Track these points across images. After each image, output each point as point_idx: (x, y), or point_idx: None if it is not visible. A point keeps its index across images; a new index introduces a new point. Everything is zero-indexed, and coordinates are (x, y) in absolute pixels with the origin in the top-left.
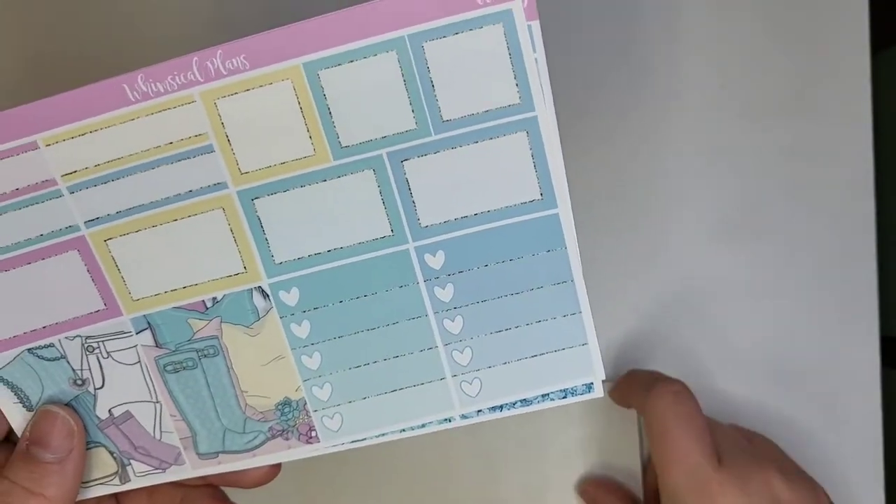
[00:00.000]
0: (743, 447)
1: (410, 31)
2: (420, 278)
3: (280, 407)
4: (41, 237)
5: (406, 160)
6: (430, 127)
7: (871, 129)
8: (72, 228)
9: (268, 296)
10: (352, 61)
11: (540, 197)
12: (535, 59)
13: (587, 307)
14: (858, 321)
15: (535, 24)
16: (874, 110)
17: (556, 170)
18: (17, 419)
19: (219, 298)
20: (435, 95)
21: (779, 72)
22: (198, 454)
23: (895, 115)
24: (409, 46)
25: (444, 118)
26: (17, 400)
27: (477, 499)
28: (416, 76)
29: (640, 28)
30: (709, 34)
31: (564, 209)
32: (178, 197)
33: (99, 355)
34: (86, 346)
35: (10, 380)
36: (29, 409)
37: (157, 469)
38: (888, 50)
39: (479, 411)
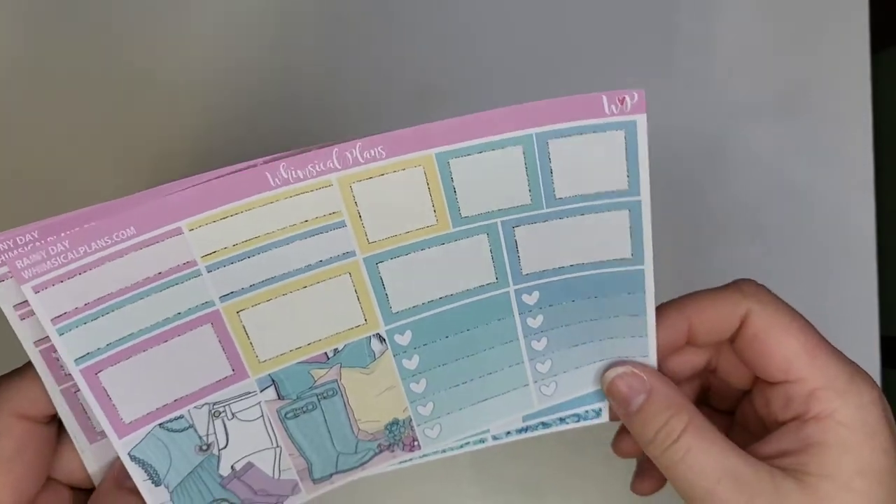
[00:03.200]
0: None
1: (539, 130)
2: (516, 312)
3: (389, 426)
4: (178, 315)
5: (517, 226)
6: (544, 202)
7: (871, 129)
8: (207, 304)
9: (384, 340)
10: (481, 152)
11: (630, 256)
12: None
13: (654, 333)
14: (858, 321)
15: (643, 118)
16: (874, 110)
17: (647, 235)
18: (151, 499)
19: (340, 349)
20: (552, 179)
21: (779, 72)
22: (313, 480)
23: (895, 115)
24: (535, 142)
25: (557, 196)
26: (146, 477)
27: None
28: (538, 165)
29: (636, 19)
30: (709, 34)
31: (648, 264)
32: (309, 267)
33: (224, 418)
34: (212, 412)
35: (141, 458)
36: (157, 484)
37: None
38: (888, 50)
39: (508, 433)
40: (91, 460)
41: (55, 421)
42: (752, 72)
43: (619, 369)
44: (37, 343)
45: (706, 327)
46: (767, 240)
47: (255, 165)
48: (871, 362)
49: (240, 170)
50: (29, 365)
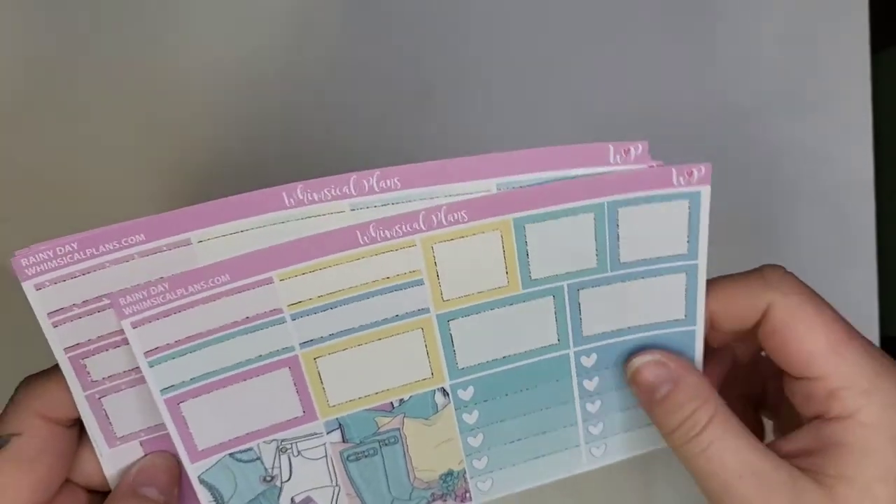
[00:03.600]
0: None
1: (610, 199)
2: (574, 375)
3: (444, 477)
4: (260, 357)
5: (582, 289)
6: (608, 266)
7: (871, 129)
8: (287, 349)
9: (448, 394)
10: (556, 218)
11: (684, 317)
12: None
13: None
14: (858, 321)
15: (707, 189)
16: (874, 110)
17: (701, 296)
18: None
19: (405, 399)
20: (618, 244)
21: (779, 72)
22: None
23: (895, 115)
24: (606, 210)
25: (622, 260)
26: (212, 499)
27: None
28: (606, 230)
29: (636, 19)
30: (709, 33)
31: (700, 325)
32: (386, 321)
33: (290, 454)
34: (280, 447)
35: (209, 482)
36: None
37: None
38: (888, 50)
39: None
40: (109, 465)
41: (77, 425)
42: (752, 71)
43: (647, 357)
44: (67, 350)
45: (726, 316)
46: (767, 239)
47: (346, 229)
48: None
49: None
50: (56, 368)
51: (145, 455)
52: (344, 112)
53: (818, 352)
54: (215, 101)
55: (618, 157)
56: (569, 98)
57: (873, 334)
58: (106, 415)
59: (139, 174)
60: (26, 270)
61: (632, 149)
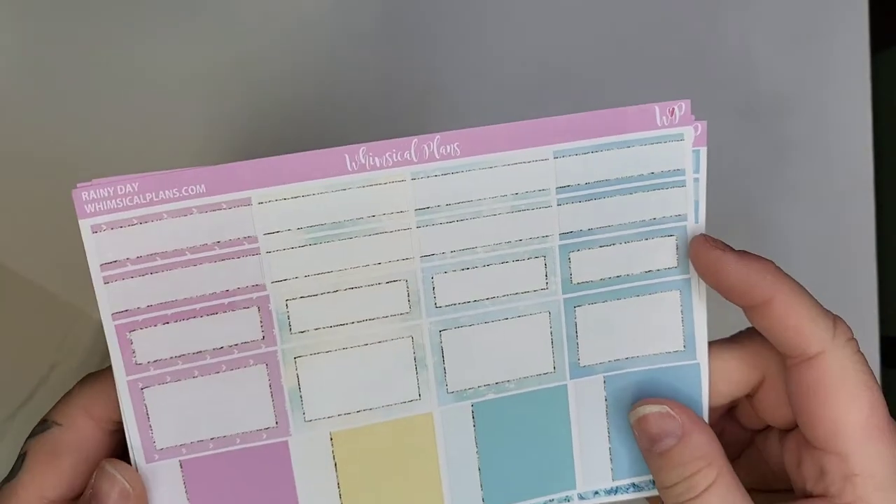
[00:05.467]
0: None
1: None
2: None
3: None
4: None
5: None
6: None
7: (871, 129)
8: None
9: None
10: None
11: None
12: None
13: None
14: (858, 321)
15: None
16: (874, 110)
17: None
18: None
19: None
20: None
21: (779, 72)
22: None
23: (895, 115)
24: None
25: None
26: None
27: None
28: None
29: (636, 19)
30: (709, 34)
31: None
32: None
33: None
34: None
35: None
36: None
37: None
38: (888, 50)
39: (596, 492)
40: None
41: (119, 430)
42: (752, 71)
43: (654, 407)
44: (115, 316)
45: (727, 390)
46: (767, 240)
47: None
48: (872, 362)
49: None
50: (109, 370)
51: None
52: (344, 112)
53: (851, 428)
54: (215, 101)
55: (664, 118)
56: (569, 98)
57: (873, 334)
58: (147, 414)
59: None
60: (85, 206)
61: (675, 108)
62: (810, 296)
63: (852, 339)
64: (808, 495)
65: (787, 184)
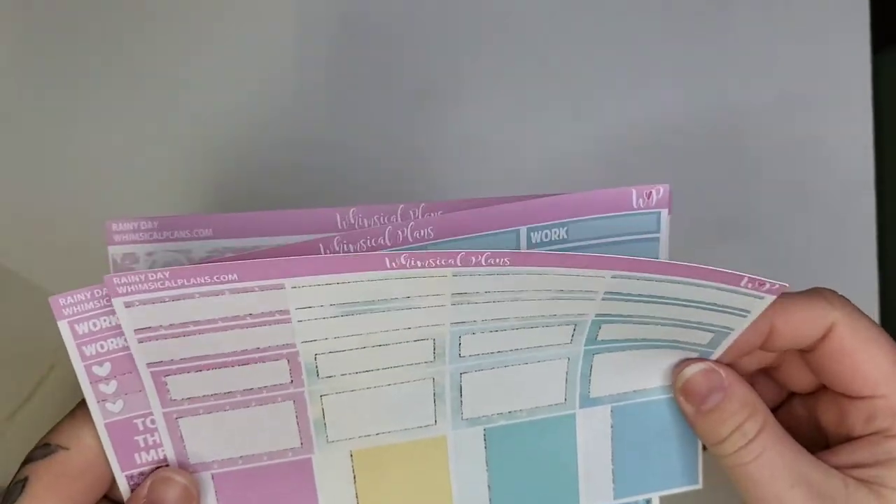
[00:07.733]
0: None
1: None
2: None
3: None
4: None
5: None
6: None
7: (872, 129)
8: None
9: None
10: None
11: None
12: None
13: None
14: None
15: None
16: (874, 110)
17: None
18: None
19: None
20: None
21: (779, 71)
22: None
23: (895, 115)
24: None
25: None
26: None
27: None
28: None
29: (636, 19)
30: (709, 33)
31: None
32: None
33: None
34: None
35: None
36: None
37: None
38: (888, 50)
39: None
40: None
41: None
42: (751, 72)
43: (699, 365)
44: (150, 365)
45: (789, 334)
46: (767, 240)
47: None
48: None
49: None
50: None
51: (158, 468)
52: (344, 112)
53: (885, 371)
54: (214, 101)
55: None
56: (569, 98)
57: None
58: (181, 437)
59: (149, 184)
60: (117, 288)
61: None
62: (794, 294)
63: (844, 299)
64: (856, 438)
65: (787, 184)
